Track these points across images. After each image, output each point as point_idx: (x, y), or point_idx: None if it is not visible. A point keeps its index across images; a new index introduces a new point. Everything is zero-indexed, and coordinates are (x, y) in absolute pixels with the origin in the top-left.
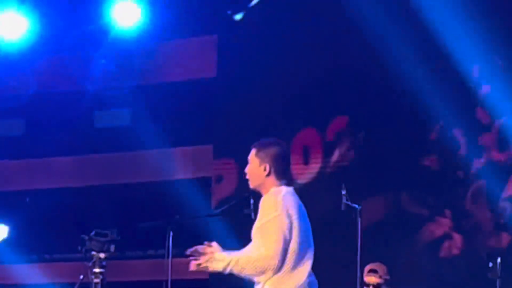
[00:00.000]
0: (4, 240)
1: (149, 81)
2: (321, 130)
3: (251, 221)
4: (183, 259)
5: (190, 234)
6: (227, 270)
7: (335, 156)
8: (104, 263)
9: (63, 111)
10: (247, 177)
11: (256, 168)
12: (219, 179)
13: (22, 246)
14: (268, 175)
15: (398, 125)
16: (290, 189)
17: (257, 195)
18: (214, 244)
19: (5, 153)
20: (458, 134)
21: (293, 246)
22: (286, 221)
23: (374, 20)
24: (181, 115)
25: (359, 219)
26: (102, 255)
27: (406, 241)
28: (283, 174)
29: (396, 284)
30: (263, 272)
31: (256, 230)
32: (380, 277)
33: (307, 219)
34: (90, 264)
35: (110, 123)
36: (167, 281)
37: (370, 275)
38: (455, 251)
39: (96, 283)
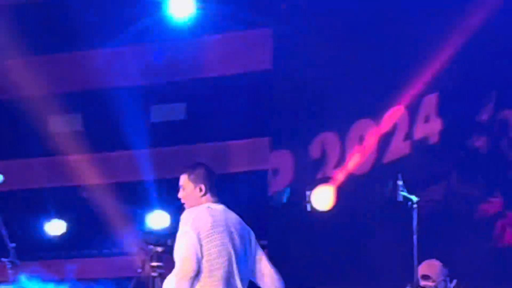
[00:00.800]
0: (62, 235)
1: (205, 74)
2: (376, 121)
3: (307, 213)
4: None
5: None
6: None
7: (391, 146)
8: (162, 256)
9: (120, 106)
10: (183, 201)
11: (192, 191)
12: (276, 171)
13: (80, 241)
14: (204, 194)
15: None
16: (218, 206)
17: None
18: None
19: (64, 148)
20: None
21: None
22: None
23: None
24: (237, 108)
25: (415, 210)
26: (159, 249)
27: (463, 227)
28: (217, 190)
29: (453, 272)
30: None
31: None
32: (433, 281)
33: (234, 235)
34: (147, 258)
35: (166, 117)
36: None
37: (423, 281)
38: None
39: (154, 277)
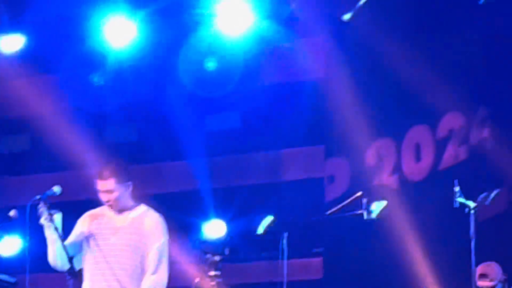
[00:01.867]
0: None
1: (259, 83)
2: (432, 127)
3: (363, 221)
4: (298, 260)
5: (304, 235)
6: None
7: (448, 152)
8: (219, 265)
9: (175, 116)
10: (112, 203)
11: (124, 191)
12: (331, 179)
13: None
14: (132, 190)
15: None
16: None
17: (369, 195)
18: None
19: (120, 158)
20: None
21: None
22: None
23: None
24: (291, 116)
25: (472, 216)
26: (217, 258)
27: None
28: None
29: None
30: None
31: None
32: (491, 280)
33: None
34: (205, 267)
35: (221, 126)
36: (282, 282)
37: (481, 280)
38: None
39: (212, 286)
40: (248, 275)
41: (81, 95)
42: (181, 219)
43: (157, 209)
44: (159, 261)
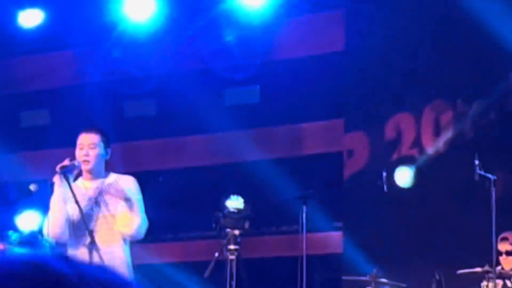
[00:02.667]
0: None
1: (278, 57)
2: (452, 101)
3: (383, 194)
4: (317, 234)
5: (323, 209)
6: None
7: (467, 126)
8: (239, 239)
9: (193, 90)
10: (89, 159)
11: (102, 153)
12: (351, 153)
13: (156, 226)
14: (108, 160)
15: None
16: None
17: (389, 168)
18: None
19: (139, 133)
20: None
21: None
22: None
23: None
24: (311, 90)
25: (493, 189)
26: (236, 232)
27: None
28: None
29: None
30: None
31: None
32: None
33: None
34: (224, 241)
35: (240, 100)
36: (302, 256)
37: (501, 243)
38: None
39: (231, 260)
40: (268, 249)
41: (99, 69)
42: (200, 193)
43: (177, 183)
44: (138, 208)
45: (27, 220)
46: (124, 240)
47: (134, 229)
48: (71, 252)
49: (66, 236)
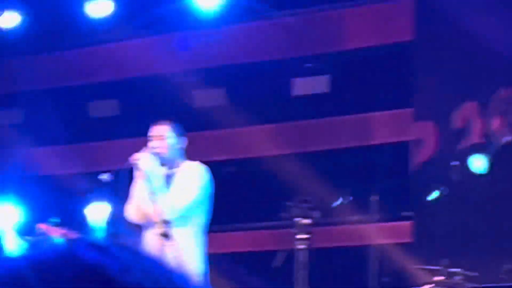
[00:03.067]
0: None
1: (347, 46)
2: None
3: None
4: (386, 224)
5: (391, 199)
6: (151, 180)
7: None
8: (309, 229)
9: (260, 80)
10: (159, 151)
11: (175, 143)
12: (419, 142)
13: (226, 215)
14: (184, 149)
15: None
16: None
17: (459, 157)
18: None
19: (204, 124)
20: None
21: None
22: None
23: None
24: (379, 80)
25: None
26: (306, 221)
27: None
28: None
29: None
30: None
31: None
32: None
33: None
34: (294, 230)
35: (308, 90)
36: (371, 246)
37: None
38: None
39: (301, 250)
40: (338, 239)
41: (169, 59)
42: (270, 183)
43: (246, 172)
44: (183, 190)
45: (96, 211)
46: (196, 228)
47: (167, 208)
48: (146, 236)
49: (145, 221)
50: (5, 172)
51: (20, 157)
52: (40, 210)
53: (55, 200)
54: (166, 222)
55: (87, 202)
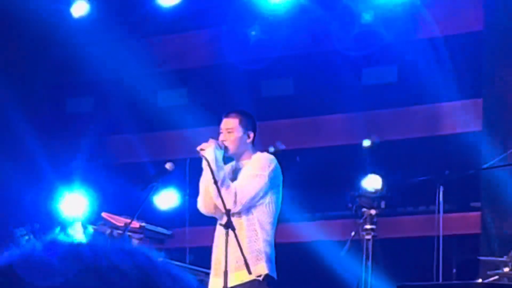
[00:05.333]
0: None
1: (417, 36)
2: None
3: None
4: (454, 215)
5: (459, 189)
6: (214, 171)
7: None
8: (375, 219)
9: (331, 69)
10: (228, 144)
11: (241, 136)
12: (488, 132)
13: (294, 205)
14: (251, 142)
15: None
16: None
17: None
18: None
19: (276, 112)
20: None
21: None
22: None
23: None
24: (449, 70)
25: None
26: (372, 212)
27: None
28: None
29: None
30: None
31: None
32: None
33: None
34: (361, 221)
35: (378, 79)
36: (438, 237)
37: None
38: None
39: (368, 240)
40: (404, 229)
41: (237, 49)
42: (338, 173)
43: (314, 162)
44: (243, 179)
45: (165, 200)
46: (262, 218)
47: (232, 199)
48: (217, 228)
49: (213, 213)
50: (74, 161)
51: (89, 146)
52: (108, 199)
53: (123, 189)
54: (230, 213)
55: (154, 191)
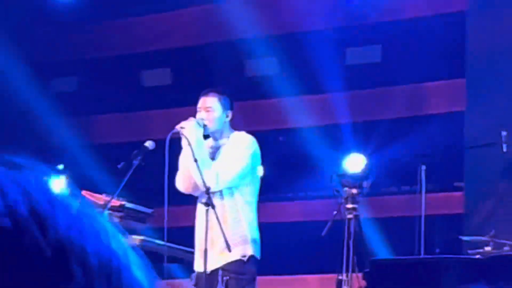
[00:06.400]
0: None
1: (400, 16)
2: None
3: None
4: (437, 194)
5: (442, 169)
6: (194, 149)
7: None
8: (357, 198)
9: (315, 49)
10: (206, 123)
11: (220, 115)
12: (471, 112)
13: (277, 185)
14: (230, 121)
15: None
16: None
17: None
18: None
19: (260, 92)
20: None
21: None
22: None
23: None
24: (433, 50)
25: None
26: (354, 191)
27: None
28: None
29: None
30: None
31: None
32: None
33: None
34: (342, 200)
35: (362, 59)
36: (420, 216)
37: None
38: None
39: (349, 219)
40: (388, 209)
41: (220, 28)
42: (320, 153)
43: (297, 142)
44: (224, 159)
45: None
46: (243, 198)
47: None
48: (197, 206)
49: (192, 191)
50: (59, 140)
51: (73, 125)
52: (90, 179)
53: (105, 168)
54: (210, 192)
55: (134, 169)
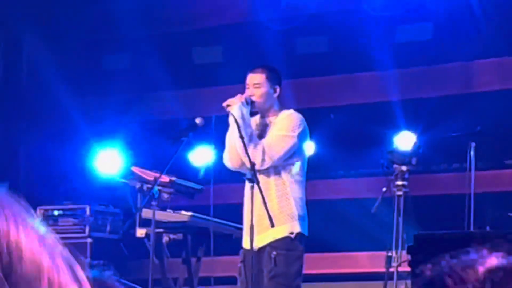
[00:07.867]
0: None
1: None
2: None
3: None
4: (489, 172)
5: (493, 147)
6: (240, 126)
7: None
8: (406, 175)
9: (365, 27)
10: (255, 99)
11: (267, 91)
12: None
13: (328, 162)
14: (278, 96)
15: None
16: None
17: None
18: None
19: (310, 70)
20: None
21: None
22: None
23: None
24: (486, 27)
25: None
26: (404, 168)
27: None
28: None
29: None
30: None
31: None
32: None
33: None
34: (392, 177)
35: (412, 37)
36: (470, 194)
37: None
38: None
39: (399, 196)
40: (436, 186)
41: (271, 6)
42: (371, 130)
43: (347, 119)
44: (269, 138)
45: (200, 156)
46: (290, 176)
47: (260, 157)
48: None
49: (239, 168)
50: (109, 117)
51: (124, 103)
52: (143, 156)
53: (157, 145)
54: (255, 168)
55: (184, 145)
